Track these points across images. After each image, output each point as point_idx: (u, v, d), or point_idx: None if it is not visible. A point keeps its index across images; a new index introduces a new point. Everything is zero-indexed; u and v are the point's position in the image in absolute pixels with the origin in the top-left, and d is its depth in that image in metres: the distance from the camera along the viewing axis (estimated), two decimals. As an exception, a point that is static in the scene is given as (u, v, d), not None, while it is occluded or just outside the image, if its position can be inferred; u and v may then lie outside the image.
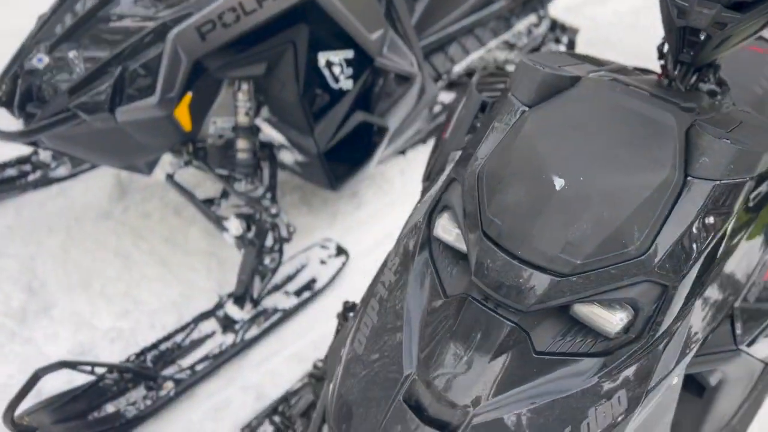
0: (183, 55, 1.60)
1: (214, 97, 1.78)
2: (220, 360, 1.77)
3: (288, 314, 1.95)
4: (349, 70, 1.91)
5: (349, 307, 1.71)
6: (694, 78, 1.15)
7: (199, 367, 1.74)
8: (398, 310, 1.06)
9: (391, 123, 2.12)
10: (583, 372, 0.95)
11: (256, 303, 1.89)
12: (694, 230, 0.96)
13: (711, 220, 0.97)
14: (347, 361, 1.06)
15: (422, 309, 1.04)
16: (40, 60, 1.58)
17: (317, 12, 1.78)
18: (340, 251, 2.18)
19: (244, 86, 1.82)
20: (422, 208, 1.19)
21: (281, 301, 1.97)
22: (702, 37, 1.05)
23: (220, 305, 1.89)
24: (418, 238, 1.11)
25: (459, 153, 1.28)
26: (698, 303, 1.02)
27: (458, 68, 2.75)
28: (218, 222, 1.89)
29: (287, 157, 2.03)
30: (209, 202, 1.96)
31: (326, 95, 1.89)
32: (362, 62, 1.93)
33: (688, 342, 1.01)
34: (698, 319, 1.03)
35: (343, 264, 2.16)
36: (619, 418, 0.94)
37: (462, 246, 1.04)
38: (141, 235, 2.15)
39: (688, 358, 1.01)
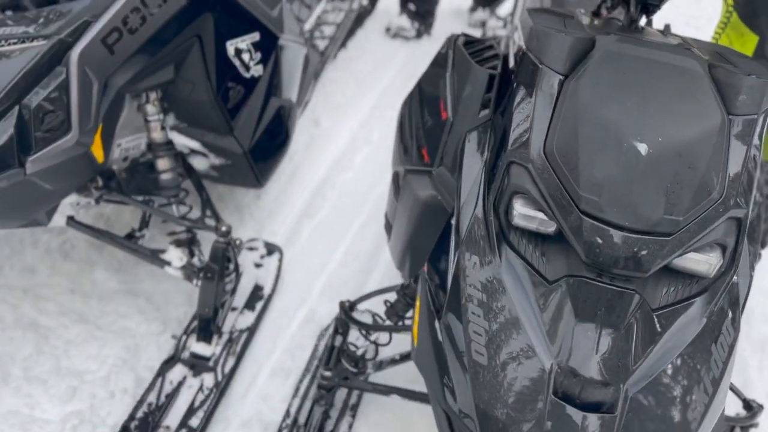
0: (93, 76, 1.30)
1: (118, 117, 1.49)
2: (210, 405, 1.58)
3: (253, 331, 1.79)
4: (258, 55, 1.71)
5: (348, 307, 1.62)
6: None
7: (194, 423, 1.54)
8: (504, 308, 1.03)
9: (293, 99, 1.97)
10: (695, 317, 1.03)
11: (221, 332, 1.70)
12: (747, 162, 1.06)
13: (754, 149, 1.08)
14: (475, 374, 1.01)
15: (530, 300, 1.02)
16: None
17: (221, -4, 1.55)
18: (271, 249, 2.02)
19: (153, 96, 1.54)
20: (471, 198, 1.15)
21: (239, 320, 1.79)
22: None
23: (182, 347, 1.67)
24: (491, 231, 1.08)
25: (473, 133, 1.24)
26: (750, 224, 1.14)
27: (308, 26, 2.62)
28: (154, 257, 1.63)
29: (200, 163, 1.79)
30: (130, 237, 1.67)
31: (240, 87, 1.68)
32: (268, 43, 1.74)
33: (752, 259, 1.14)
34: (752, 237, 1.16)
35: (280, 261, 2.01)
36: (732, 344, 1.04)
37: (547, 229, 1.04)
38: (39, 294, 1.77)
39: (754, 273, 1.14)
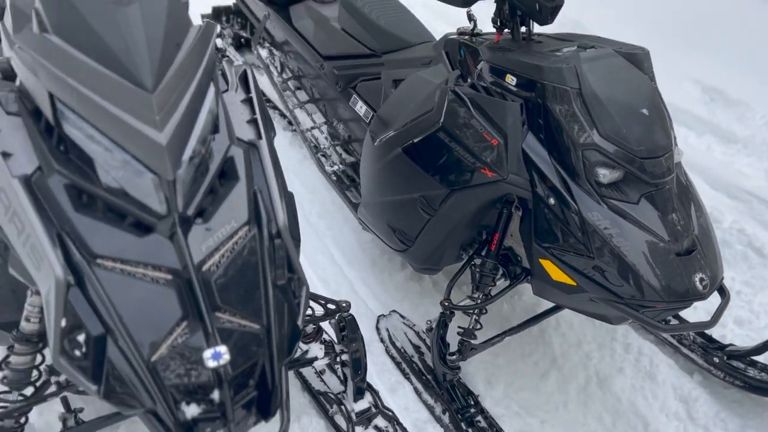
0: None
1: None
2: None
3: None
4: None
5: (449, 304, 2.07)
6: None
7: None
8: (625, 228, 1.75)
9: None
10: (682, 181, 1.90)
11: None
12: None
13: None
14: (646, 267, 1.72)
15: (633, 217, 1.76)
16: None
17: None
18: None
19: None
20: (555, 181, 1.79)
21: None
22: None
23: (348, 415, 1.90)
24: (593, 195, 1.76)
25: (528, 145, 1.84)
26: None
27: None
28: (307, 361, 1.77)
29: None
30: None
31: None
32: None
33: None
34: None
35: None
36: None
37: (621, 175, 1.76)
38: None
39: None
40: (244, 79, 1.55)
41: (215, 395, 1.20)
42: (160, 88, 1.20)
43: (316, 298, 1.90)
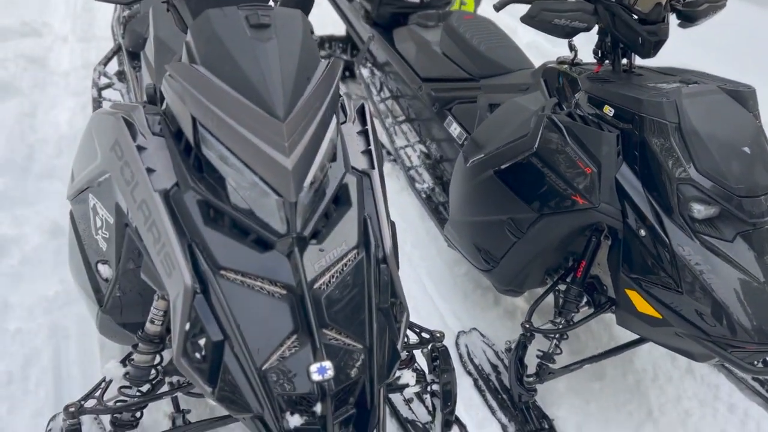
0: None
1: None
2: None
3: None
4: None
5: (529, 326, 2.10)
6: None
7: None
8: (718, 264, 1.74)
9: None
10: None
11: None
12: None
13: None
14: (734, 305, 1.70)
15: (728, 256, 1.74)
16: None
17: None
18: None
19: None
20: (648, 212, 1.78)
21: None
22: None
23: None
24: (686, 230, 1.75)
25: (621, 175, 1.86)
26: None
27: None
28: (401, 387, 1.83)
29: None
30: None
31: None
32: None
33: None
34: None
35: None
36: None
37: (716, 212, 1.75)
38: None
39: None
40: (361, 113, 1.65)
41: (317, 408, 1.28)
42: (290, 118, 1.31)
43: (411, 326, 1.92)
